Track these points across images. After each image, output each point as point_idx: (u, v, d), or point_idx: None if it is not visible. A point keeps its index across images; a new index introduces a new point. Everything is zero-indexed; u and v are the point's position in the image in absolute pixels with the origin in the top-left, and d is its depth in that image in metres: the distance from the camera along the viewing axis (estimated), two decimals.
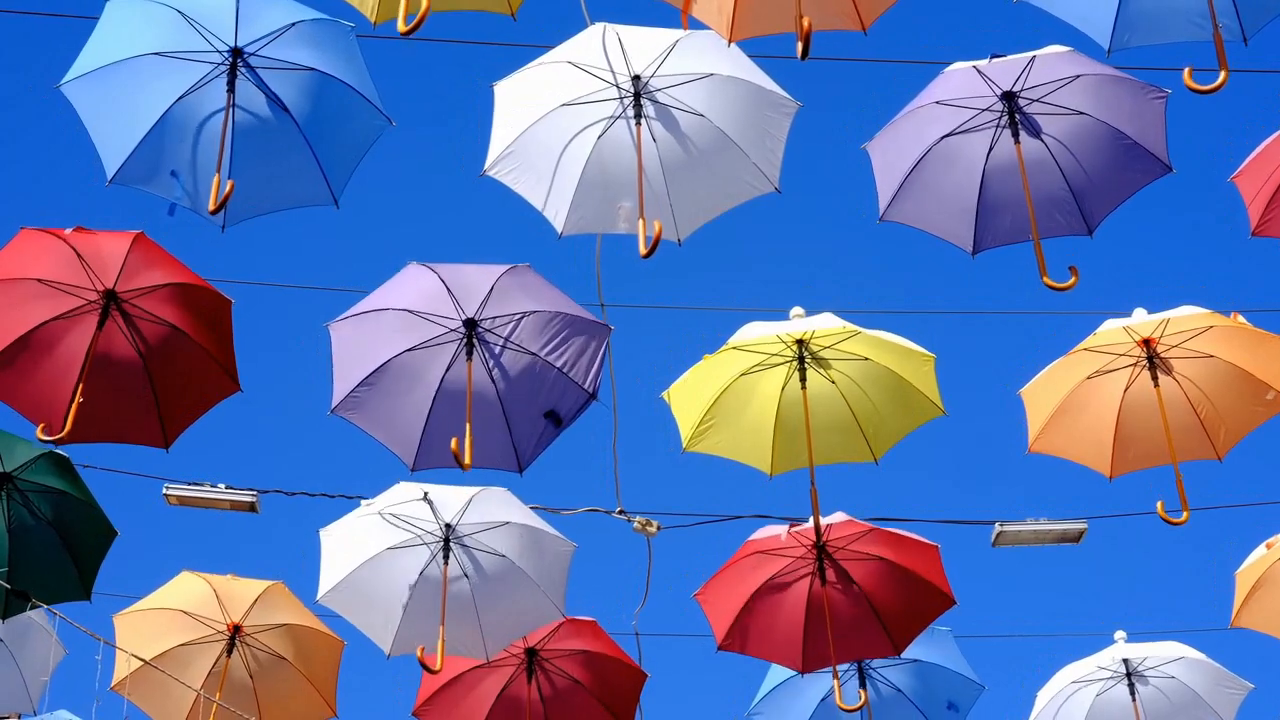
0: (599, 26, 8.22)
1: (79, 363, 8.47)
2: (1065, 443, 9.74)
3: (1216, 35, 6.86)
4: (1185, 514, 9.10)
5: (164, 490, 10.58)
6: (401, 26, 7.05)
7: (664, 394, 9.73)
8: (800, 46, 6.79)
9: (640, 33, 8.28)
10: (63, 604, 9.75)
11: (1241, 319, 9.33)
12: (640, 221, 8.21)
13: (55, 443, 8.31)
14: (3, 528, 9.41)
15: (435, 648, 9.90)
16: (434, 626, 9.95)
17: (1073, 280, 8.06)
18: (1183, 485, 9.14)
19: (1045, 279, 8.08)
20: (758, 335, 9.49)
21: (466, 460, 8.95)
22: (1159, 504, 9.16)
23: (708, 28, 7.87)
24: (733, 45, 7.79)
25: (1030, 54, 8.18)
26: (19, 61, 20.16)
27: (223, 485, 10.64)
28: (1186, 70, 6.99)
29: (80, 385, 8.28)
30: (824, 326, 9.39)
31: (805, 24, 6.75)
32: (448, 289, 9.23)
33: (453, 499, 10.06)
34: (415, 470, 9.59)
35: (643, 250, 8.12)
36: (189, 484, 10.56)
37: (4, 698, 10.76)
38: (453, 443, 8.96)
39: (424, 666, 9.95)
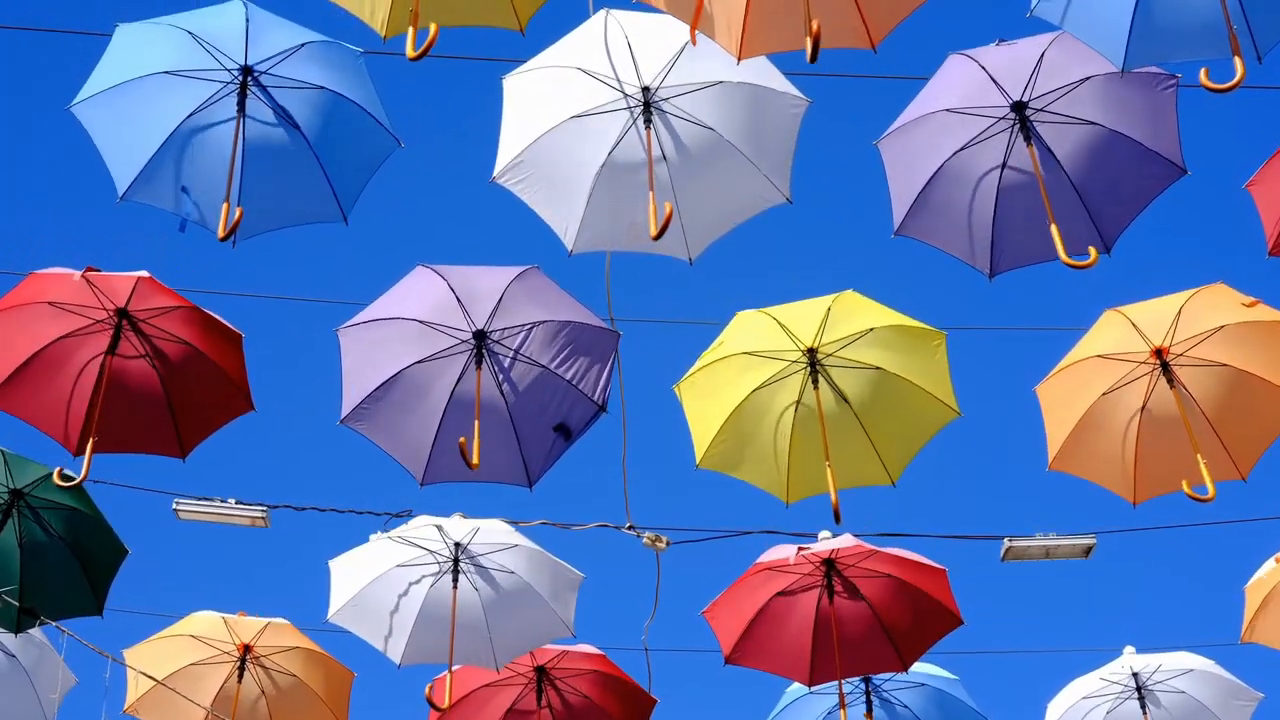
0: (601, 14, 8.15)
1: (93, 377, 8.53)
2: (1085, 464, 9.63)
3: (1231, 34, 6.78)
4: (1212, 491, 8.87)
5: (174, 505, 10.60)
6: (410, 53, 7.07)
7: (675, 386, 9.73)
8: (809, 48, 6.71)
9: (647, 30, 8.21)
10: (74, 619, 9.80)
11: (1250, 299, 9.13)
12: (650, 202, 8.13)
13: (73, 487, 8.38)
14: (14, 544, 9.46)
15: (444, 662, 9.92)
16: (444, 638, 9.99)
17: (1092, 258, 7.94)
18: (1208, 468, 8.90)
19: (1064, 258, 7.98)
20: (767, 334, 9.45)
21: (474, 459, 8.94)
22: (1184, 481, 8.95)
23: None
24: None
25: (1039, 48, 8.11)
26: (29, 81, 20.19)
27: (233, 500, 10.66)
28: (1203, 70, 6.89)
29: (94, 424, 8.34)
30: (838, 305, 9.36)
31: (814, 26, 6.69)
32: (457, 298, 9.25)
33: (461, 526, 10.16)
34: (424, 484, 9.62)
35: (653, 232, 8.03)
36: (199, 499, 10.58)
37: (20, 714, 10.78)
38: (460, 440, 8.98)
39: (431, 705, 9.99)
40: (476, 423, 9.08)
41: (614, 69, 8.32)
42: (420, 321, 9.36)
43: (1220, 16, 6.88)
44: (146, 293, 8.57)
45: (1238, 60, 6.80)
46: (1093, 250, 8.01)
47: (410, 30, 7.18)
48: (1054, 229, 7.99)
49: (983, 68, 8.23)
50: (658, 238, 8.04)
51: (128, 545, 9.69)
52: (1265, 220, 8.28)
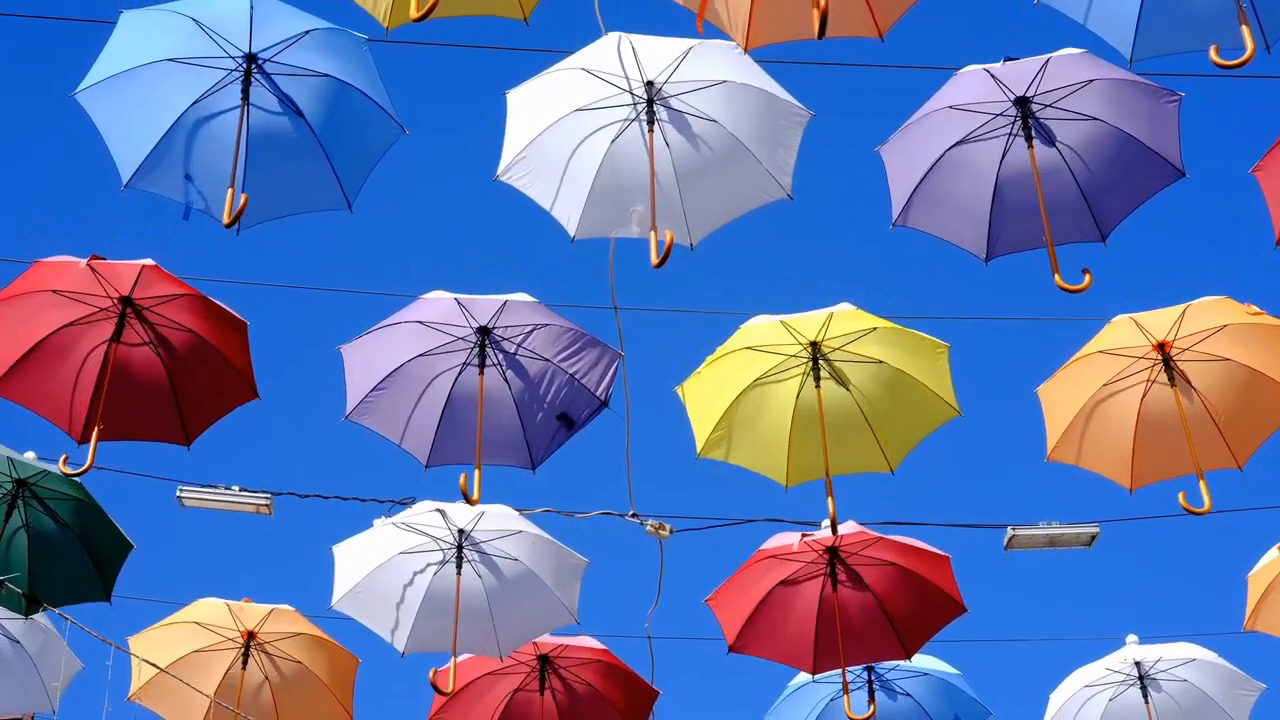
0: (614, 36, 8.22)
1: (97, 366, 8.56)
2: (1083, 453, 9.65)
3: (1240, 10, 6.74)
4: (1208, 503, 8.91)
5: (178, 493, 10.63)
6: (413, 13, 7.02)
7: (677, 388, 9.72)
8: (816, 24, 6.65)
9: (654, 41, 8.28)
10: (78, 606, 9.83)
11: (1254, 308, 9.16)
12: (652, 230, 8.19)
13: (78, 475, 8.39)
14: (20, 532, 9.48)
15: (448, 651, 9.94)
16: (448, 626, 10.00)
17: (1086, 282, 7.98)
18: (1204, 476, 8.97)
19: (1058, 281, 8.01)
20: (770, 331, 9.47)
21: (475, 495, 8.98)
22: (1180, 494, 8.95)
23: (722, 34, 7.82)
24: (746, 55, 7.73)
25: (1044, 57, 8.14)
26: (33, 70, 20.22)
27: (236, 487, 10.68)
28: (1213, 47, 6.84)
29: (98, 412, 8.36)
30: (840, 312, 9.38)
31: (822, 1, 6.64)
32: (459, 305, 9.30)
33: (465, 512, 10.18)
34: (429, 467, 9.65)
35: (654, 260, 8.09)
36: (203, 486, 10.60)
37: (23, 700, 10.82)
38: (461, 479, 9.02)
39: (435, 689, 10.00)
40: (480, 423, 9.11)
41: (620, 67, 8.34)
42: (421, 323, 9.41)
43: (1227, 5, 6.85)
44: (151, 281, 8.58)
45: (1245, 30, 6.74)
46: (1086, 274, 7.99)
47: None
48: (1051, 253, 8.01)
49: (988, 71, 8.23)
50: (659, 266, 8.06)
51: (132, 531, 9.71)
52: (1271, 205, 8.22)
